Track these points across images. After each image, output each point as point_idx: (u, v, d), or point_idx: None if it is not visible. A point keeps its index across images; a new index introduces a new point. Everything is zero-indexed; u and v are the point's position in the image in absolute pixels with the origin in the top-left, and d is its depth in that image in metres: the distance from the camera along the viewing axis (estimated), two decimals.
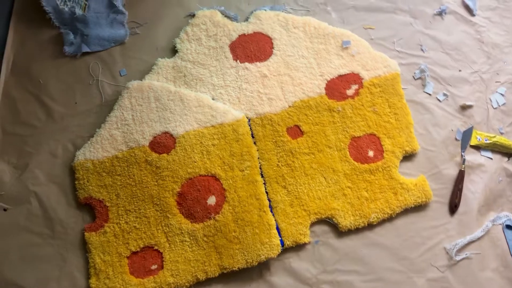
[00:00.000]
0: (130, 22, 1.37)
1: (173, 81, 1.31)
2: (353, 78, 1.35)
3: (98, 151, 1.23)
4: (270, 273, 1.19)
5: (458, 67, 1.42)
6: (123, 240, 1.17)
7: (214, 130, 1.25)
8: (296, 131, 1.30)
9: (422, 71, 1.40)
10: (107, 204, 1.19)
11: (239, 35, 1.37)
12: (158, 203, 1.19)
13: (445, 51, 1.44)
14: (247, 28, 1.38)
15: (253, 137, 1.27)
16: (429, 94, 1.38)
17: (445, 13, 1.48)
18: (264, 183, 1.24)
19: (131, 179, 1.21)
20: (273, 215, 1.21)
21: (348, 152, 1.28)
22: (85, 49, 1.31)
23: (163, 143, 1.23)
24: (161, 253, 1.16)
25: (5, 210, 1.18)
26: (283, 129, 1.29)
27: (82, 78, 1.31)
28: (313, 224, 1.23)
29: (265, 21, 1.39)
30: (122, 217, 1.18)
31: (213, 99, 1.29)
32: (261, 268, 1.19)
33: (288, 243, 1.20)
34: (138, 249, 1.16)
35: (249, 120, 1.29)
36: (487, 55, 1.45)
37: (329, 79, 1.34)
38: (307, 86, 1.33)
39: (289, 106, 1.31)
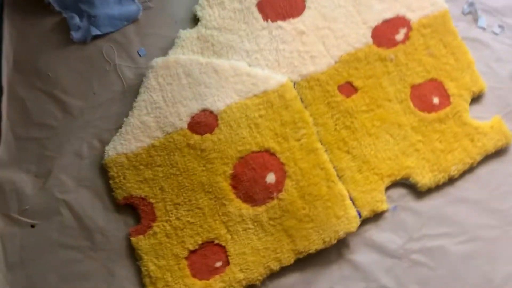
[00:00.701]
0: None
1: (201, 52, 1.13)
2: (400, 21, 1.19)
3: (130, 142, 1.05)
4: (350, 251, 1.02)
5: None
6: (178, 239, 0.99)
7: (258, 100, 1.08)
8: (348, 88, 1.13)
9: (471, 4, 1.23)
10: (152, 200, 1.01)
11: None
12: (210, 190, 1.02)
13: None
14: None
15: (302, 102, 1.11)
16: (484, 29, 1.22)
17: None
18: (325, 151, 1.07)
19: (174, 168, 1.03)
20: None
21: (411, 103, 1.12)
22: (95, 32, 1.13)
23: (203, 122, 1.06)
24: (224, 247, 0.99)
25: (33, 226, 1.00)
26: (334, 88, 1.12)
27: (97, 65, 1.12)
28: (387, 188, 1.07)
29: None
30: (172, 213, 1.00)
31: (249, 66, 1.13)
32: (339, 247, 1.02)
33: (365, 213, 1.03)
34: (197, 247, 0.99)
35: (294, 84, 1.12)
36: None
37: (374, 26, 1.18)
38: (351, 37, 1.16)
39: (336, 62, 1.14)
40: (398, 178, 1.06)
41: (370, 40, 1.16)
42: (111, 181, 1.03)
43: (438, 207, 1.05)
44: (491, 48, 1.20)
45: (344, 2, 1.20)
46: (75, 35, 1.13)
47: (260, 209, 1.01)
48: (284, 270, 0.99)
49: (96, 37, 1.14)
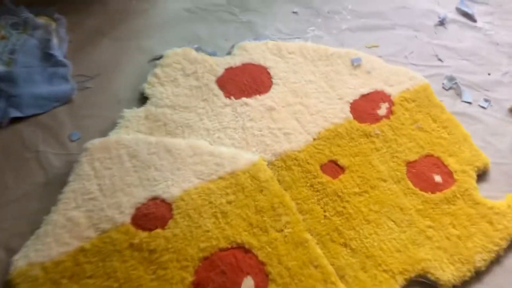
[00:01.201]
0: (76, 76, 0.99)
1: (150, 133, 0.91)
2: (379, 96, 1.05)
3: (50, 247, 0.75)
4: None
5: (485, 71, 1.18)
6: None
7: (225, 183, 0.84)
8: (333, 168, 0.92)
9: (451, 79, 1.13)
10: None
11: (226, 69, 1.04)
12: None
13: (463, 57, 1.20)
14: (234, 60, 1.06)
15: (279, 185, 0.88)
16: (469, 103, 1.10)
17: (446, 22, 1.28)
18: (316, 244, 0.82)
19: (111, 279, 0.73)
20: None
21: (409, 182, 0.91)
22: (15, 114, 0.90)
23: (152, 214, 0.79)
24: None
25: None
26: (316, 167, 0.91)
27: (14, 152, 0.87)
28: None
29: (253, 51, 1.08)
30: None
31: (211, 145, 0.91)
32: None
33: None
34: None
35: (268, 164, 0.90)
36: (508, 55, 1.23)
37: (351, 101, 1.02)
38: (328, 112, 0.99)
39: (314, 139, 0.95)
40: (413, 274, 0.81)
41: (350, 116, 1.00)
42: None
43: None
44: (482, 122, 1.07)
45: (315, 78, 1.05)
46: None
47: None
48: None
49: (16, 120, 0.91)
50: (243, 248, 0.77)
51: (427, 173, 0.94)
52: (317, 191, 0.88)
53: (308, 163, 0.91)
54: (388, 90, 1.06)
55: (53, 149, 0.89)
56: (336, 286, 0.74)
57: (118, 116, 0.93)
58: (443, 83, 1.13)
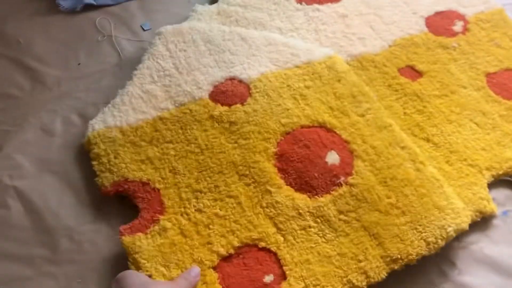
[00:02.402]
0: None
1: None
2: (454, 15, 1.00)
3: (127, 114, 0.72)
4: (458, 270, 0.66)
5: None
6: (201, 239, 0.61)
7: (302, 71, 0.80)
8: (411, 72, 0.87)
9: None
10: (159, 186, 0.66)
11: None
12: (247, 173, 0.67)
13: None
14: None
15: None
16: None
17: None
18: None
19: (192, 145, 0.70)
20: None
21: (490, 91, 0.87)
22: (89, 0, 0.88)
23: (231, 92, 0.75)
24: (275, 253, 0.61)
25: None
26: (394, 70, 0.87)
27: (87, 35, 0.85)
28: (489, 186, 0.75)
29: None
30: (190, 202, 0.65)
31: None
32: (439, 264, 0.66)
33: (469, 213, 0.69)
34: (232, 251, 0.61)
35: None
36: None
37: (425, 16, 0.98)
38: (403, 24, 0.95)
39: (390, 46, 0.91)
40: (501, 172, 0.75)
41: (425, 29, 0.96)
42: (94, 163, 0.67)
43: None
44: None
45: None
46: (63, 2, 0.87)
47: (324, 199, 0.65)
48: None
49: (89, 8, 0.89)
50: (325, 128, 0.73)
51: (509, 84, 0.88)
52: (396, 90, 0.84)
53: (385, 65, 0.87)
54: (462, 10, 1.01)
55: (125, 35, 0.86)
56: (425, 166, 0.69)
57: (189, 14, 0.91)
58: None
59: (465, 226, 0.64)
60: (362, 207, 0.65)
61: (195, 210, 0.64)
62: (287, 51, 0.82)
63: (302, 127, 0.73)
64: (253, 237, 0.62)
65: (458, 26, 0.98)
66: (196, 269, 0.58)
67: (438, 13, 1.00)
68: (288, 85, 0.77)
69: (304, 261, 0.61)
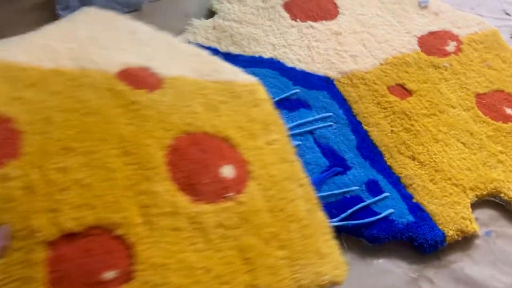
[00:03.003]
0: None
1: (217, 42, 0.90)
2: (447, 35, 1.01)
3: (17, 54, 0.68)
4: (434, 286, 0.66)
5: None
6: (48, 203, 0.53)
7: (220, 86, 0.75)
8: (401, 91, 0.88)
9: None
10: (21, 128, 0.59)
11: None
12: (133, 151, 0.61)
13: None
14: None
15: (344, 100, 0.85)
16: None
17: None
18: (381, 154, 0.78)
19: (80, 104, 0.64)
20: (410, 195, 0.73)
21: (479, 111, 0.87)
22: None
23: (141, 77, 0.71)
24: (131, 246, 0.53)
25: None
26: (383, 88, 0.88)
27: None
28: (473, 206, 0.75)
29: None
30: (54, 158, 0.56)
31: (275, 59, 0.89)
32: (418, 281, 0.66)
33: (451, 233, 0.69)
34: (81, 229, 0.52)
35: (332, 80, 0.87)
36: None
37: (419, 35, 0.99)
38: (396, 43, 0.96)
39: (381, 64, 0.92)
40: (485, 192, 0.75)
41: (418, 48, 0.97)
42: None
43: None
44: None
45: (382, 13, 1.03)
46: (62, 13, 0.90)
47: (207, 207, 0.60)
48: None
49: None
50: (227, 142, 0.68)
51: (498, 106, 0.89)
52: (384, 108, 0.84)
53: (375, 83, 0.88)
54: (456, 31, 1.02)
55: None
56: (317, 210, 0.65)
57: (184, 28, 0.93)
58: (511, 35, 1.09)
59: (341, 280, 0.59)
60: (243, 227, 0.60)
61: (56, 167, 0.56)
62: (211, 66, 0.78)
63: (205, 133, 0.68)
64: (113, 220, 0.54)
65: (451, 46, 0.99)
66: (4, 229, 0.48)
67: (431, 33, 1.01)
68: (202, 94, 0.73)
69: (162, 265, 0.53)
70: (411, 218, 0.70)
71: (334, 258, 0.60)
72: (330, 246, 0.61)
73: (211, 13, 0.97)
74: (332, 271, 0.59)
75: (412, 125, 0.83)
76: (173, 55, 0.78)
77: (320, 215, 0.64)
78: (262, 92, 0.76)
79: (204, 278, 0.54)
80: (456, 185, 0.75)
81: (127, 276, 0.51)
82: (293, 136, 0.77)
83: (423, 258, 0.68)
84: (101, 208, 0.54)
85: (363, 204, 0.70)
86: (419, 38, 0.99)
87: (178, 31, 0.91)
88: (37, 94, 0.62)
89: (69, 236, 0.51)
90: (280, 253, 0.59)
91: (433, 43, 0.99)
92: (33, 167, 0.55)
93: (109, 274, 0.50)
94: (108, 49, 0.73)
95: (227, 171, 0.64)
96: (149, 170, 0.60)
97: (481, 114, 0.87)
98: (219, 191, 0.62)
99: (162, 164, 0.61)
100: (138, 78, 0.70)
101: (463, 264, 0.69)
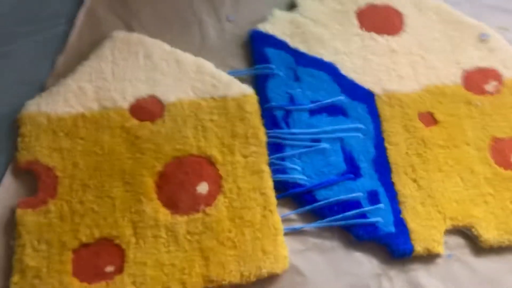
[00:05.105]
0: None
1: (290, 36, 1.03)
2: (492, 74, 1.09)
3: (58, 104, 0.89)
4: (392, 284, 0.86)
5: None
6: (72, 226, 0.79)
7: (214, 104, 0.92)
8: (429, 119, 1.01)
9: None
10: (59, 174, 0.83)
11: (367, 4, 1.12)
12: (130, 181, 0.84)
13: None
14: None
15: (378, 116, 0.99)
16: None
17: None
18: (390, 171, 0.94)
19: (98, 147, 0.86)
20: (399, 210, 0.90)
21: (488, 154, 0.99)
22: None
23: (148, 109, 0.91)
24: (124, 250, 0.80)
25: None
26: (414, 113, 1.00)
27: (182, 14, 1.03)
28: (446, 233, 0.92)
29: None
30: (77, 194, 0.82)
31: (334, 63, 1.02)
32: (380, 277, 0.86)
33: (419, 249, 0.87)
34: (92, 240, 0.79)
35: (374, 95, 1.01)
36: None
37: (466, 68, 1.08)
38: (442, 72, 1.06)
39: (421, 90, 1.03)
40: (461, 224, 0.91)
41: (459, 81, 1.06)
42: (19, 139, 0.86)
43: (497, 272, 0.89)
44: None
45: (441, 37, 1.11)
46: None
47: (181, 219, 0.82)
48: None
49: None
50: (209, 160, 0.88)
51: (507, 152, 1.00)
52: (408, 131, 0.98)
53: (408, 106, 1.00)
54: (502, 70, 1.09)
55: (212, 21, 1.04)
56: (272, 214, 0.84)
57: (268, 13, 1.06)
58: None
59: (280, 271, 0.80)
60: (206, 234, 0.81)
61: (78, 201, 0.81)
62: (210, 82, 0.94)
63: (190, 155, 0.88)
64: (113, 233, 0.79)
65: (490, 86, 1.08)
66: None
67: (478, 69, 1.09)
68: (195, 115, 0.91)
69: (142, 263, 0.78)
70: (392, 229, 0.88)
71: (276, 254, 0.81)
72: (276, 244, 0.82)
73: (291, 7, 1.09)
74: (271, 265, 0.81)
75: (425, 152, 0.96)
76: (178, 77, 0.94)
77: (274, 219, 0.85)
78: (251, 105, 0.93)
79: (171, 270, 0.78)
80: (439, 212, 0.91)
81: (120, 270, 0.78)
82: (326, 139, 0.94)
83: (391, 261, 0.87)
84: (104, 227, 0.80)
85: (360, 210, 0.89)
86: (465, 71, 1.07)
87: (260, 16, 1.05)
88: (69, 143, 0.86)
89: (85, 245, 0.79)
90: (231, 252, 0.81)
91: (476, 79, 1.07)
92: (63, 202, 0.81)
93: (109, 268, 0.78)
94: (125, 81, 0.92)
95: (202, 188, 0.85)
96: (141, 194, 0.83)
97: (488, 156, 0.99)
98: (193, 206, 0.84)
99: (151, 189, 0.84)
100: (145, 110, 0.91)
101: (420, 273, 0.87)
